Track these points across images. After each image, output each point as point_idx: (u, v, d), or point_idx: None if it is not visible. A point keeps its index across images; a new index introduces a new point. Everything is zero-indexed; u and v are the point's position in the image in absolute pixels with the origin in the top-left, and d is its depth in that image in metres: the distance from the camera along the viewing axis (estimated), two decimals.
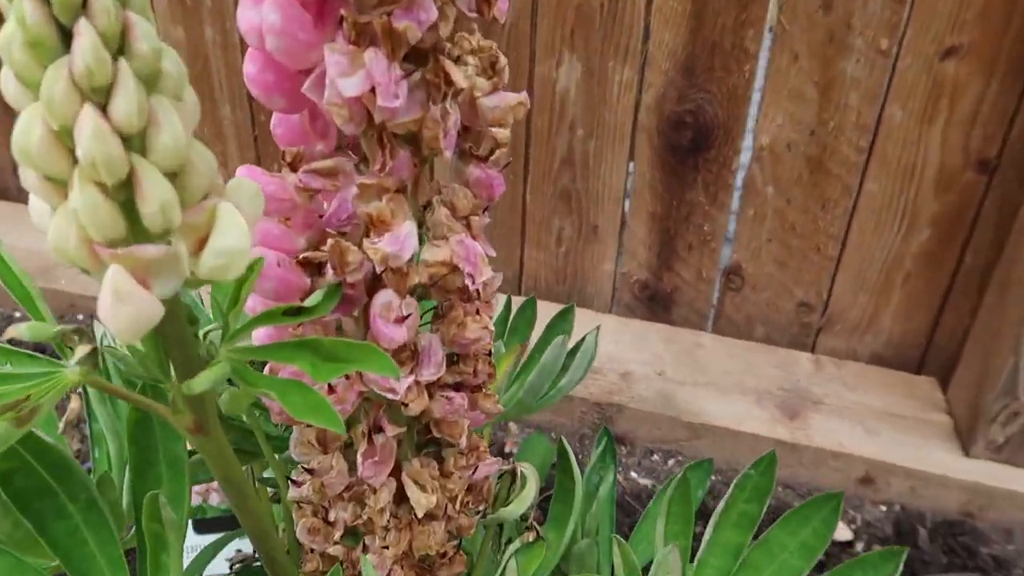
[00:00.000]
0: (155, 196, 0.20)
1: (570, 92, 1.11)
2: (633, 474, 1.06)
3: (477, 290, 0.31)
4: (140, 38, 0.19)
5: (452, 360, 0.34)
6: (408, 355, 0.32)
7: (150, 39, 0.20)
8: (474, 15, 0.29)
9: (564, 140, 1.15)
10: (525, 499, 0.43)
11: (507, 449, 1.08)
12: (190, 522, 0.67)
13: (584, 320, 1.24)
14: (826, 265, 1.14)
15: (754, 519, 0.40)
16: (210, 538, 0.63)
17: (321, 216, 0.30)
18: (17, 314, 1.31)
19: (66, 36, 0.19)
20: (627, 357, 1.16)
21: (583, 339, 0.59)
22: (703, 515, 0.55)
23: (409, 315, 0.30)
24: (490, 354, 0.35)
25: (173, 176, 0.21)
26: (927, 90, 1.00)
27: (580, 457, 1.08)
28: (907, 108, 1.02)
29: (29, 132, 0.20)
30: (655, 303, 1.26)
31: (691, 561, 0.40)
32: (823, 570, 0.48)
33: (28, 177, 0.21)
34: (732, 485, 0.41)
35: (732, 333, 1.23)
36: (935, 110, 1.01)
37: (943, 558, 0.93)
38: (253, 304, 0.31)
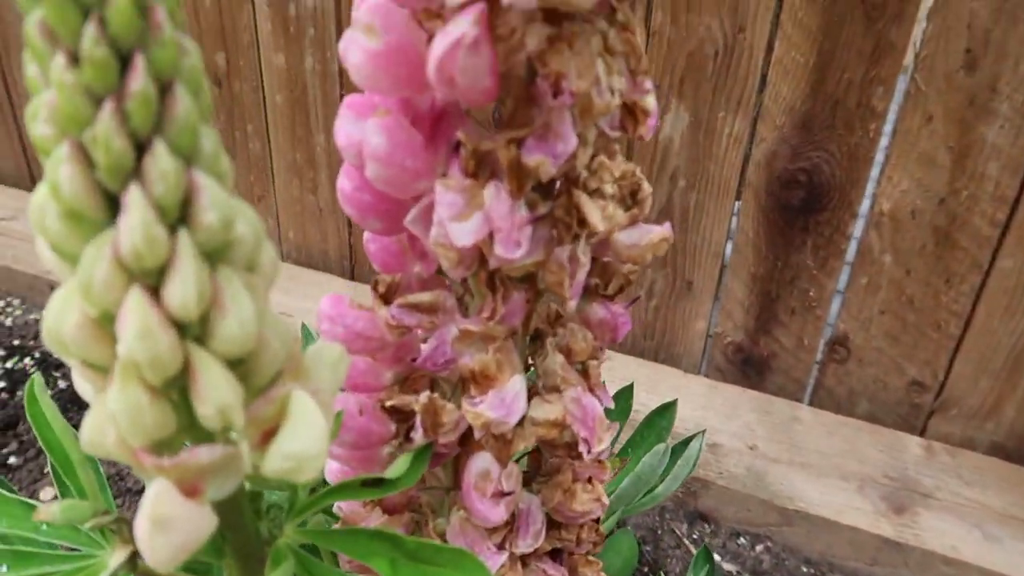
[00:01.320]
0: (214, 397, 0.16)
1: (674, 142, 1.05)
2: (716, 556, 0.98)
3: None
4: (207, 207, 0.15)
5: (551, 524, 0.29)
6: (503, 523, 0.27)
7: (221, 205, 0.15)
8: (616, 134, 0.24)
9: (664, 190, 1.09)
10: None
11: None
12: None
13: (671, 381, 1.17)
14: (945, 344, 1.04)
15: None
16: None
17: (414, 359, 0.25)
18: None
19: (113, 204, 0.15)
20: (716, 426, 1.08)
21: (687, 442, 0.53)
22: None
23: (511, 492, 0.25)
24: (598, 520, 0.29)
25: (238, 362, 0.17)
26: None
27: (659, 533, 1.00)
28: None
29: (63, 317, 0.15)
30: (749, 367, 1.17)
31: None
32: None
33: (58, 351, 0.17)
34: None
35: (831, 408, 1.14)
36: None
37: None
38: (331, 454, 0.26)
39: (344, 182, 0.24)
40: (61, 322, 0.15)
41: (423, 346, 0.25)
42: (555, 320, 0.27)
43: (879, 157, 0.99)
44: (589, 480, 0.27)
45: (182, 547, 0.16)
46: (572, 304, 0.23)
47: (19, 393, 1.17)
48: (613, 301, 0.27)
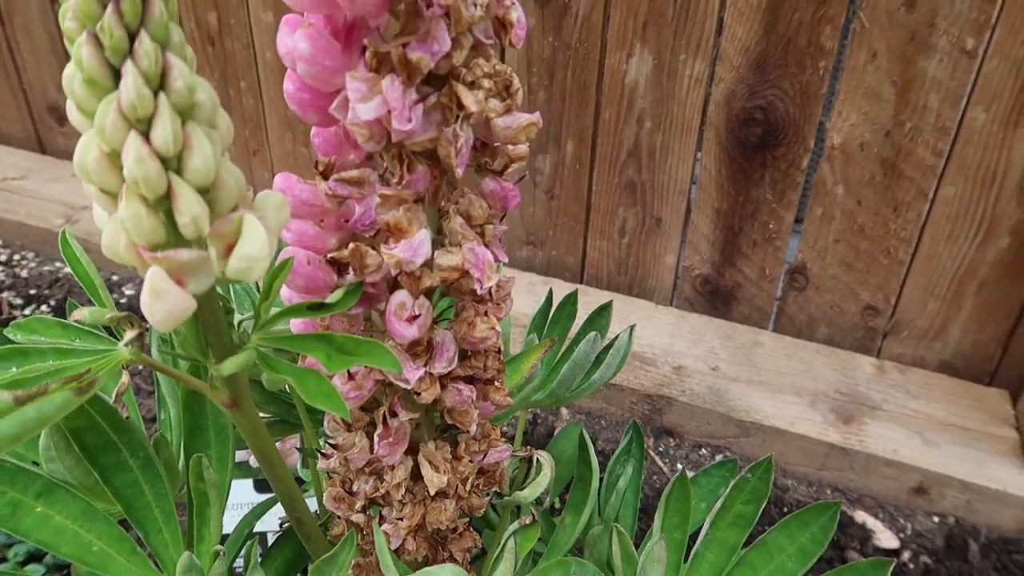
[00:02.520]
0: (188, 209, 0.24)
1: (639, 84, 1.12)
2: (679, 466, 1.07)
3: (489, 292, 0.34)
4: (177, 77, 0.23)
5: (465, 355, 0.37)
6: (423, 349, 0.35)
7: (186, 76, 0.23)
8: (491, 41, 0.31)
9: (631, 132, 1.16)
10: (539, 484, 0.46)
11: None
12: (251, 481, 0.73)
13: (643, 312, 1.26)
14: (896, 269, 1.12)
15: (750, 520, 0.42)
16: (266, 496, 0.69)
17: (347, 220, 0.33)
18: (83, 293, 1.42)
19: (116, 75, 0.23)
20: (682, 351, 1.17)
21: (618, 336, 0.61)
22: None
23: (420, 315, 0.33)
24: (499, 351, 0.37)
25: (205, 192, 0.25)
26: (1014, 93, 0.96)
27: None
28: (991, 111, 0.98)
29: (87, 153, 0.23)
30: (716, 298, 1.25)
31: (685, 559, 0.42)
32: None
33: (88, 190, 0.25)
34: (730, 486, 0.42)
35: (793, 333, 1.22)
36: (1022, 114, 0.97)
37: (994, 575, 0.90)
38: (289, 296, 0.34)
39: (287, 84, 0.32)
40: (85, 158, 0.23)
41: (354, 212, 0.34)
42: (456, 193, 0.35)
43: (828, 94, 1.06)
44: (486, 313, 0.35)
45: (171, 313, 0.25)
46: (459, 171, 0.31)
47: None
48: (502, 176, 0.35)
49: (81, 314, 0.28)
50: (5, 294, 1.36)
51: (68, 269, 1.45)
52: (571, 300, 0.66)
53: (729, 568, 0.41)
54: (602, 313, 0.65)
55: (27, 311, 1.34)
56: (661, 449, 1.09)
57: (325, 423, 0.42)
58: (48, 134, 1.72)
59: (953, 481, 0.98)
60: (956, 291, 1.10)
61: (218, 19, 1.39)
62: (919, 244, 1.09)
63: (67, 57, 1.51)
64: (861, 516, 0.97)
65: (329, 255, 0.34)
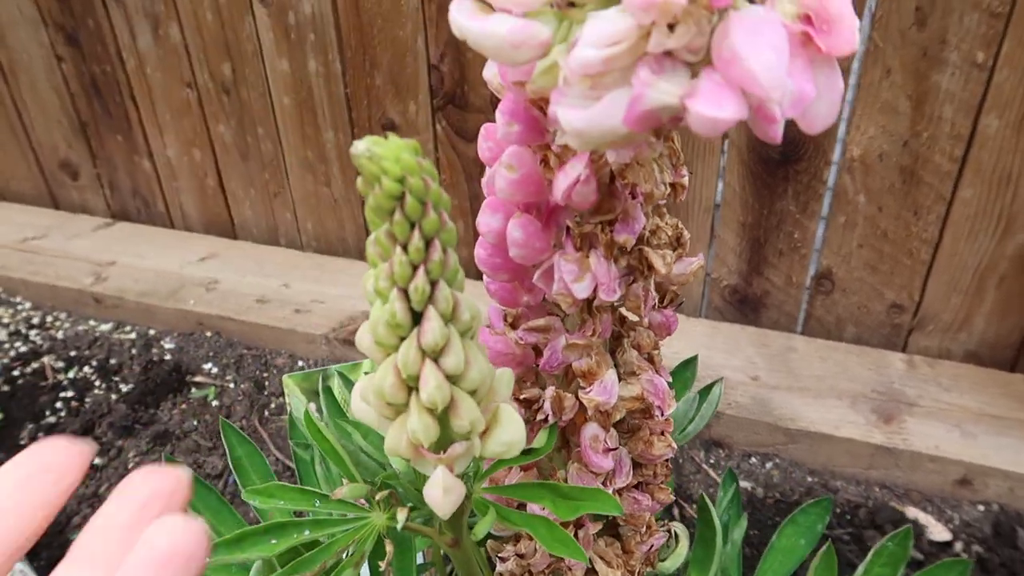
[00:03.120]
0: (467, 415, 0.28)
1: None
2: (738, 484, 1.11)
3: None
4: (464, 311, 0.26)
5: (636, 465, 0.41)
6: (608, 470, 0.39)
7: (470, 309, 0.27)
8: (664, 201, 0.35)
9: None
10: (679, 555, 0.50)
11: None
12: None
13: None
14: (918, 268, 1.17)
15: None
16: None
17: (535, 364, 0.37)
18: (152, 330, 1.44)
19: (415, 316, 0.26)
20: (720, 363, 1.21)
21: (711, 387, 0.65)
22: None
23: (615, 447, 0.37)
24: (668, 461, 0.41)
25: (473, 393, 0.28)
26: None
27: (680, 462, 1.14)
28: (1004, 118, 1.03)
29: (384, 379, 0.27)
30: (745, 306, 1.30)
31: None
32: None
33: (373, 402, 0.28)
34: (871, 552, 0.47)
35: (822, 334, 1.27)
36: None
37: None
38: None
39: (480, 251, 0.36)
40: (383, 383, 0.27)
41: (542, 356, 0.37)
42: (626, 326, 0.39)
43: (846, 110, 1.10)
44: (662, 433, 0.39)
45: (455, 503, 0.28)
46: (645, 320, 0.35)
47: (87, 400, 1.28)
48: (666, 308, 0.38)
49: (342, 492, 0.32)
50: (46, 359, 1.38)
51: (103, 327, 1.46)
52: (691, 365, 0.68)
53: None
54: (688, 366, 0.68)
55: (71, 374, 1.35)
56: (712, 461, 1.13)
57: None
58: (61, 190, 1.72)
59: (994, 471, 1.04)
60: (978, 286, 1.15)
61: (232, 69, 1.41)
62: (940, 244, 1.14)
63: (77, 114, 1.51)
64: (912, 512, 1.03)
65: (523, 395, 0.37)
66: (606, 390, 0.35)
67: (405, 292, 0.25)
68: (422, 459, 0.28)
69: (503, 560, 0.44)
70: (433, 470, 0.28)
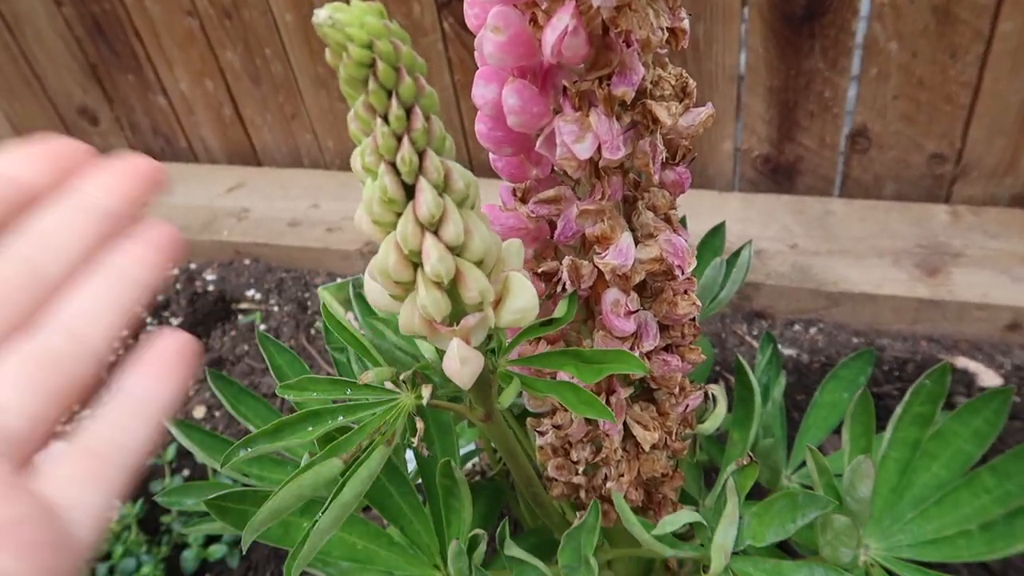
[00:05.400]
0: (475, 285, 0.27)
1: None
2: (777, 345, 1.11)
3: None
4: (457, 179, 0.26)
5: (663, 328, 0.41)
6: (632, 333, 0.39)
7: (463, 176, 0.26)
8: (664, 50, 0.33)
9: None
10: (718, 416, 0.50)
11: None
12: None
13: (710, 203, 1.28)
14: (958, 114, 1.11)
15: (929, 418, 0.46)
16: None
17: (549, 237, 0.37)
18: (194, 264, 1.47)
19: (408, 190, 0.25)
20: (756, 234, 1.19)
21: (739, 252, 0.64)
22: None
23: (636, 310, 0.36)
24: (695, 320, 0.41)
25: (479, 263, 0.28)
26: None
27: (723, 337, 1.14)
28: None
29: (387, 257, 0.27)
30: (779, 175, 1.26)
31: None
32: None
33: (381, 280, 0.28)
34: (908, 392, 0.46)
35: (861, 195, 1.24)
36: None
37: None
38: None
39: (480, 127, 0.35)
40: (386, 260, 0.27)
41: (556, 227, 0.36)
42: (639, 188, 0.38)
43: None
44: (685, 292, 0.38)
45: (474, 373, 0.28)
46: (656, 177, 0.34)
47: (142, 337, 1.33)
48: (679, 165, 0.37)
49: (368, 376, 0.32)
50: None
51: None
52: (719, 232, 0.67)
53: (914, 460, 0.45)
54: (716, 234, 0.67)
55: None
56: (755, 333, 1.13)
57: (525, 399, 0.46)
58: (84, 136, 1.73)
59: None
60: (1023, 124, 1.10)
61: None
62: (980, 85, 1.08)
63: (85, 57, 1.50)
64: (962, 362, 1.02)
65: (540, 269, 0.37)
66: (622, 253, 0.35)
67: (393, 165, 0.25)
68: (438, 334, 0.28)
69: (542, 434, 0.45)
70: (449, 343, 0.28)
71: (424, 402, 0.32)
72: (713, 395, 0.50)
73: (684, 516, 0.40)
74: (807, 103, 1.17)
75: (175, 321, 1.35)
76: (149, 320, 1.37)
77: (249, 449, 0.33)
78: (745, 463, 0.41)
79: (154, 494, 1.05)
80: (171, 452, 1.07)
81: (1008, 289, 1.04)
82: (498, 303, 0.29)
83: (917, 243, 1.13)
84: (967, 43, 1.05)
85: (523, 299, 0.29)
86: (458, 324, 0.28)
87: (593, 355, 0.33)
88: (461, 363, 0.28)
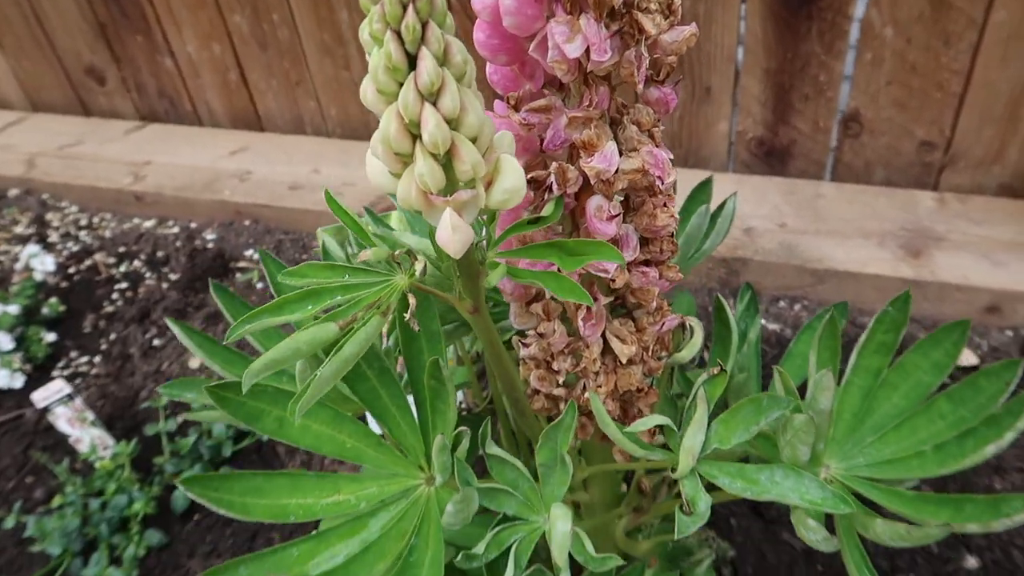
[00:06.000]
0: (469, 158, 0.30)
1: None
2: (762, 320, 1.14)
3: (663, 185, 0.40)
4: (456, 53, 0.28)
5: (644, 242, 0.44)
6: (612, 243, 0.41)
7: (461, 52, 0.28)
8: None
9: None
10: (694, 345, 0.53)
11: None
12: None
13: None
14: (949, 102, 1.14)
15: (891, 347, 0.49)
16: None
17: (539, 145, 0.39)
18: (194, 224, 1.49)
19: (410, 60, 0.28)
20: (748, 212, 1.22)
21: (724, 204, 0.67)
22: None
23: (618, 214, 0.39)
24: (673, 235, 0.44)
25: (474, 140, 0.31)
26: None
27: (710, 310, 1.17)
28: None
29: (388, 125, 0.29)
30: (772, 158, 1.29)
31: (837, 384, 0.49)
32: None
33: (381, 153, 0.31)
34: (872, 319, 0.49)
35: (851, 179, 1.26)
36: None
37: None
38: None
39: (478, 34, 0.37)
40: (387, 130, 0.29)
41: (545, 136, 0.39)
42: (625, 106, 0.40)
43: None
44: (664, 205, 0.41)
45: (464, 243, 0.31)
46: (641, 87, 0.37)
47: (140, 290, 1.35)
48: (664, 84, 0.40)
49: (367, 255, 0.35)
50: (98, 256, 1.45)
51: (147, 224, 1.52)
52: (705, 187, 0.70)
53: (875, 388, 0.48)
54: (703, 188, 0.70)
55: (122, 268, 1.42)
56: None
57: (512, 319, 0.49)
58: (90, 96, 1.75)
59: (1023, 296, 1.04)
60: (1011, 114, 1.13)
61: None
62: (972, 73, 1.11)
63: (95, 16, 1.52)
64: None
65: (530, 175, 0.39)
66: (606, 158, 0.38)
67: (398, 33, 0.27)
68: (432, 207, 0.31)
69: (526, 346, 0.48)
70: (442, 215, 0.31)
71: (418, 275, 0.35)
72: (691, 326, 0.53)
73: (655, 419, 0.43)
74: (802, 86, 1.20)
75: (174, 277, 1.37)
76: (149, 275, 1.39)
77: (253, 324, 0.36)
78: (715, 372, 0.43)
79: (148, 436, 1.07)
80: (163, 400, 1.10)
81: (988, 273, 1.07)
82: (489, 185, 0.32)
83: (903, 226, 1.16)
84: (961, 30, 1.07)
85: (512, 179, 0.31)
86: (451, 196, 0.30)
87: (575, 246, 0.36)
88: (452, 230, 0.30)
